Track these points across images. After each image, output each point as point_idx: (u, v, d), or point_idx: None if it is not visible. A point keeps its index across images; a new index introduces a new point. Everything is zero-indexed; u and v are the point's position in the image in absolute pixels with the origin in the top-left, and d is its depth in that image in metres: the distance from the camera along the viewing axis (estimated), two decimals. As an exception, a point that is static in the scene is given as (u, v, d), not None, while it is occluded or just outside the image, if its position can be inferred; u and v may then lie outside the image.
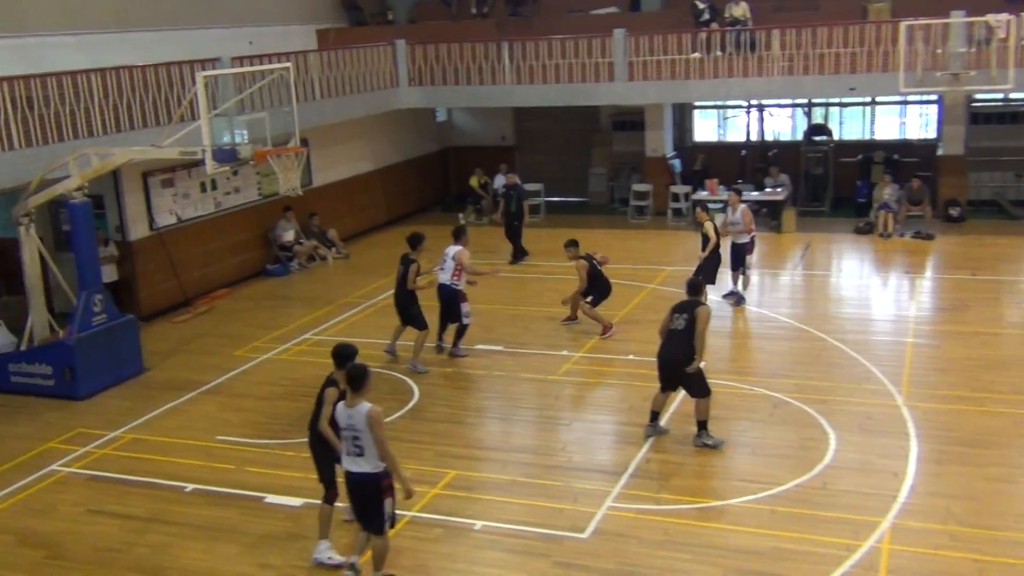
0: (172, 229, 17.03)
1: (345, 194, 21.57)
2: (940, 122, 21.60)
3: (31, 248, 13.37)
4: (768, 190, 20.91)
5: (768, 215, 20.70)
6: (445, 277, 13.44)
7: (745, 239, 15.43)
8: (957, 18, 18.07)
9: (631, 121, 23.46)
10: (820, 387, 11.98)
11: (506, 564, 8.53)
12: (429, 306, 13.59)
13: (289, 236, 19.35)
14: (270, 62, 15.74)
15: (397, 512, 8.17)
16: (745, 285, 15.70)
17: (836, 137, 23.13)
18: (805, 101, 23.33)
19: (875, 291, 16.88)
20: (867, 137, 23.56)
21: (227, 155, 12.58)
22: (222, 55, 16.30)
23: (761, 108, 23.76)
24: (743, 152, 23.46)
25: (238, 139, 12.93)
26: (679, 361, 10.25)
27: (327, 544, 8.63)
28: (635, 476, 9.92)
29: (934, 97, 21.43)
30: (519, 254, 18.95)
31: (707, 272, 14.80)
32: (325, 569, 8.49)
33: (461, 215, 22.73)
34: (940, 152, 21.22)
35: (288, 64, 14.22)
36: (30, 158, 12.93)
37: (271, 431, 11.49)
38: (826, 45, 18.90)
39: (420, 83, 21.35)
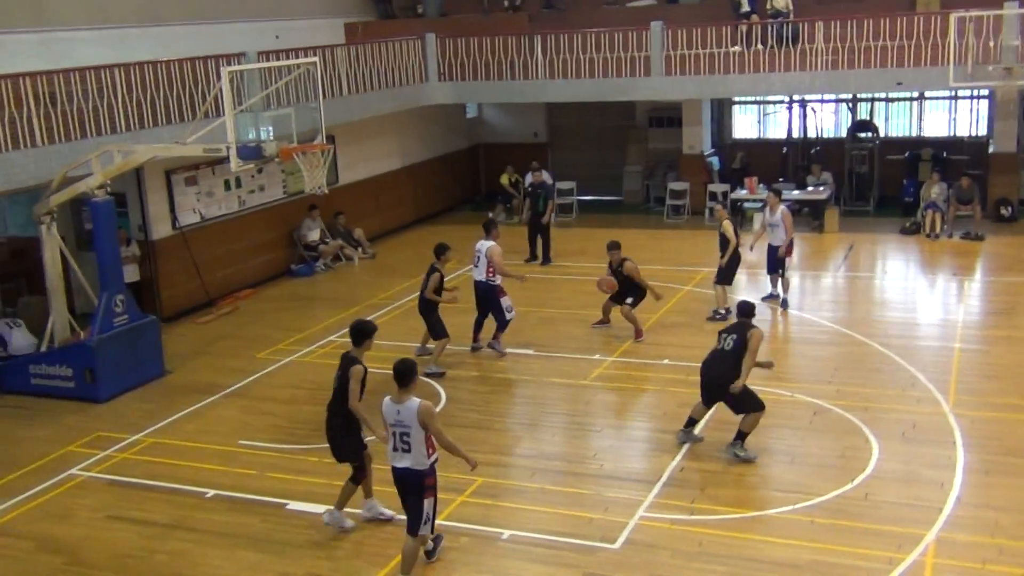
0: (195, 228, 16.89)
1: (372, 192, 21.32)
2: (991, 118, 21.20)
3: (52, 247, 13.28)
4: (810, 189, 20.58)
5: (810, 215, 20.38)
6: (480, 274, 13.42)
7: (779, 241, 14.97)
8: (1011, 9, 17.58)
9: (668, 117, 23.18)
10: (863, 394, 11.74)
11: (534, 575, 8.41)
12: (465, 307, 13.40)
13: (314, 235, 19.15)
14: (296, 56, 15.57)
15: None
16: (785, 288, 15.29)
17: (882, 134, 22.72)
18: (849, 96, 22.90)
19: (921, 294, 16.49)
20: (914, 134, 23.12)
21: (252, 152, 12.45)
22: (248, 49, 16.15)
23: (803, 104, 23.35)
24: (784, 149, 23.09)
25: (263, 136, 12.84)
26: (726, 382, 10.03)
27: (373, 502, 9.11)
28: (668, 485, 9.76)
29: (985, 92, 21.05)
30: (544, 260, 18.54)
31: (725, 271, 14.59)
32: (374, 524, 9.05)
33: (491, 214, 22.42)
34: (991, 149, 20.83)
35: (315, 59, 14.04)
36: (52, 155, 12.83)
37: (294, 436, 11.37)
38: (872, 38, 18.48)
39: (450, 78, 21.12)
